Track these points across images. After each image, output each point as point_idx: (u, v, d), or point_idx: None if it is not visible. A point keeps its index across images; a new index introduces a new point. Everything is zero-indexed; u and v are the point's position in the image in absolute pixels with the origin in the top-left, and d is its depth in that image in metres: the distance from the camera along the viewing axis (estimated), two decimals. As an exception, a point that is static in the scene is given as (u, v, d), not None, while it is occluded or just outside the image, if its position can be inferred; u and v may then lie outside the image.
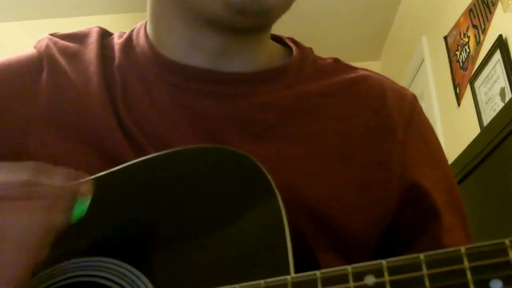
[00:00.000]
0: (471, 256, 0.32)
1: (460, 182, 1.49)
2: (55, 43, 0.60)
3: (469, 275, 0.31)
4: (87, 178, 0.46)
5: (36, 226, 0.38)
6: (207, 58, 0.56)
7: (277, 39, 0.65)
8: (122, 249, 0.43)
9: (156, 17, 0.59)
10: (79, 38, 0.61)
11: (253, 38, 0.58)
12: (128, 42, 0.60)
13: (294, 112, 0.56)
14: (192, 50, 0.56)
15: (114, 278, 0.42)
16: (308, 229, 0.50)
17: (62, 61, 0.58)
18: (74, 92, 0.55)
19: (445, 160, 0.63)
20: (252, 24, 0.54)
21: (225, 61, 0.56)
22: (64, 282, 0.43)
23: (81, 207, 0.41)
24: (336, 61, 0.63)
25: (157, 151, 0.47)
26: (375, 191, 0.54)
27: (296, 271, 0.38)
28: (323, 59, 0.63)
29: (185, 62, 0.56)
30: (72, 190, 0.40)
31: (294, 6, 0.56)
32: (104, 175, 0.46)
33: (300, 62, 0.60)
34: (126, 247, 0.43)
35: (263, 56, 0.59)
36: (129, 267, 0.42)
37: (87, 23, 0.64)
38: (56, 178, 0.40)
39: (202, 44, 0.56)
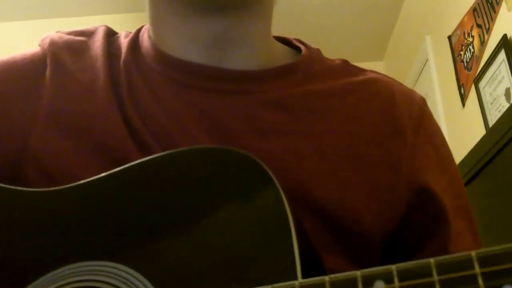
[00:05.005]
0: (483, 261, 0.31)
1: (466, 184, 1.48)
2: (60, 38, 0.59)
3: (480, 281, 0.31)
4: (87, 180, 0.46)
5: None
6: (206, 51, 0.56)
7: (285, 41, 0.64)
8: (124, 252, 0.43)
9: (153, 17, 0.59)
10: (85, 35, 0.61)
11: (246, 24, 0.56)
12: (135, 41, 0.60)
13: (302, 111, 0.55)
14: (190, 44, 0.56)
15: (115, 282, 0.41)
16: (314, 229, 0.49)
17: (66, 57, 0.57)
18: (79, 88, 0.55)
19: (454, 164, 0.62)
20: None
21: (224, 54, 0.56)
22: None
23: None
24: (345, 62, 0.63)
25: (163, 150, 0.46)
26: (384, 194, 0.54)
27: (301, 273, 0.37)
28: (332, 60, 0.63)
29: (186, 58, 0.56)
30: None
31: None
32: (104, 176, 0.45)
33: (308, 61, 0.60)
34: (127, 250, 0.43)
35: (265, 53, 0.59)
36: (131, 270, 0.41)
37: (90, 23, 0.64)
38: None
39: (197, 34, 0.55)
